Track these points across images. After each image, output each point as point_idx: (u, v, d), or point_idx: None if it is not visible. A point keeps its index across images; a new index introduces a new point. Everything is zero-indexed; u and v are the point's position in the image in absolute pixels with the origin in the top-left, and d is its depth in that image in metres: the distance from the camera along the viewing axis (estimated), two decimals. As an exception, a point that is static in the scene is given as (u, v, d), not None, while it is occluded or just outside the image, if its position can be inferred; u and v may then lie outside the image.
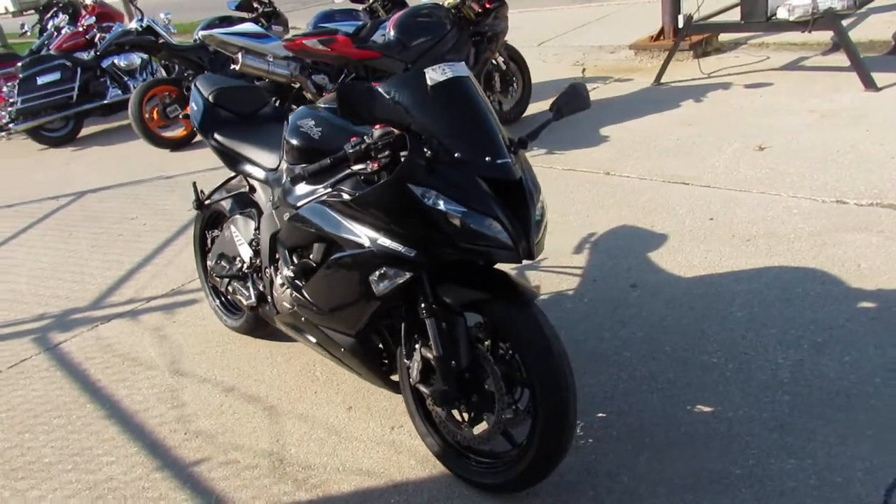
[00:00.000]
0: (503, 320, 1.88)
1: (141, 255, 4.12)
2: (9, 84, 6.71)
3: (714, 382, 2.35)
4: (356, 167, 1.90)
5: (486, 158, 1.80)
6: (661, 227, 3.39)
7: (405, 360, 2.11)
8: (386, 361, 2.27)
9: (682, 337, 2.60)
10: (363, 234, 1.92)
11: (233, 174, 2.81)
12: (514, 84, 5.30)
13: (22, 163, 6.80)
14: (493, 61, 5.14)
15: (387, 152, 1.86)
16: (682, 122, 4.73)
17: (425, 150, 1.79)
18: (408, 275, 1.90)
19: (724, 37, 6.40)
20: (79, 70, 7.02)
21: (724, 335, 2.57)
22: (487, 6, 4.89)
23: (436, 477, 2.17)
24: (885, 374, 2.24)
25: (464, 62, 2.04)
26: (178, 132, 6.36)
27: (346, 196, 1.93)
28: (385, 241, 1.88)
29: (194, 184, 2.92)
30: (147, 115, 6.19)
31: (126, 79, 7.43)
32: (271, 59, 4.99)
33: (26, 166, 6.65)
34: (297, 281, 2.21)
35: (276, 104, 5.24)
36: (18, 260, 4.38)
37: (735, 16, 5.39)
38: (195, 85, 2.87)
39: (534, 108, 5.56)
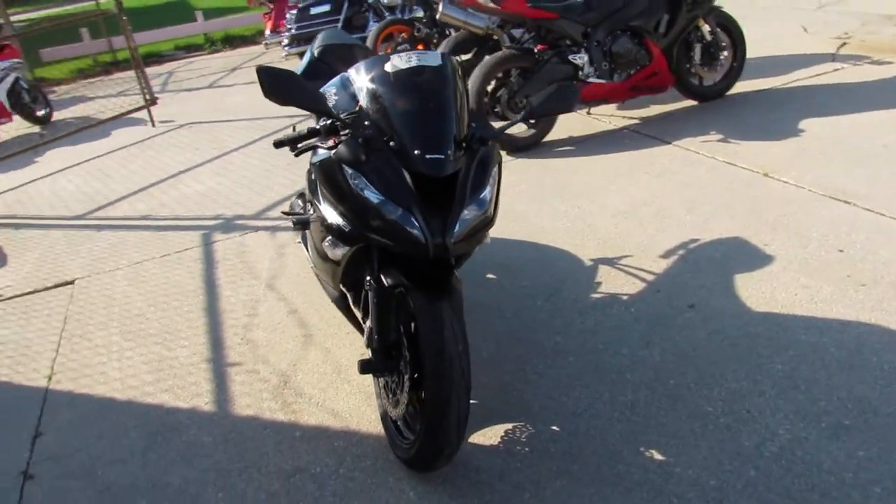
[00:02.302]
0: (416, 310, 1.92)
1: (313, 179, 4.70)
2: (290, 13, 7.80)
3: (690, 432, 2.10)
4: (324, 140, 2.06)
5: (416, 152, 1.83)
6: (775, 249, 2.94)
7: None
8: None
9: (696, 374, 2.33)
10: (324, 201, 2.08)
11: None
12: (721, 56, 4.75)
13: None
14: (698, 29, 4.66)
15: (347, 131, 1.97)
16: (906, 126, 3.88)
17: (361, 136, 1.87)
18: (347, 247, 2.03)
19: None
20: (346, 4, 7.87)
21: (741, 385, 2.24)
22: (694, -32, 4.43)
23: (380, 436, 2.32)
24: (891, 486, 1.81)
25: (440, 52, 2.04)
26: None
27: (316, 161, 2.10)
28: (332, 213, 2.02)
29: (294, 127, 3.28)
30: (381, 52, 6.78)
31: (387, 14, 8.13)
32: (471, 10, 5.12)
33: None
34: (304, 231, 2.46)
35: (474, 55, 5.42)
36: (234, 167, 5.28)
37: None
38: (316, 37, 3.18)
39: (745, 86, 4.96)
